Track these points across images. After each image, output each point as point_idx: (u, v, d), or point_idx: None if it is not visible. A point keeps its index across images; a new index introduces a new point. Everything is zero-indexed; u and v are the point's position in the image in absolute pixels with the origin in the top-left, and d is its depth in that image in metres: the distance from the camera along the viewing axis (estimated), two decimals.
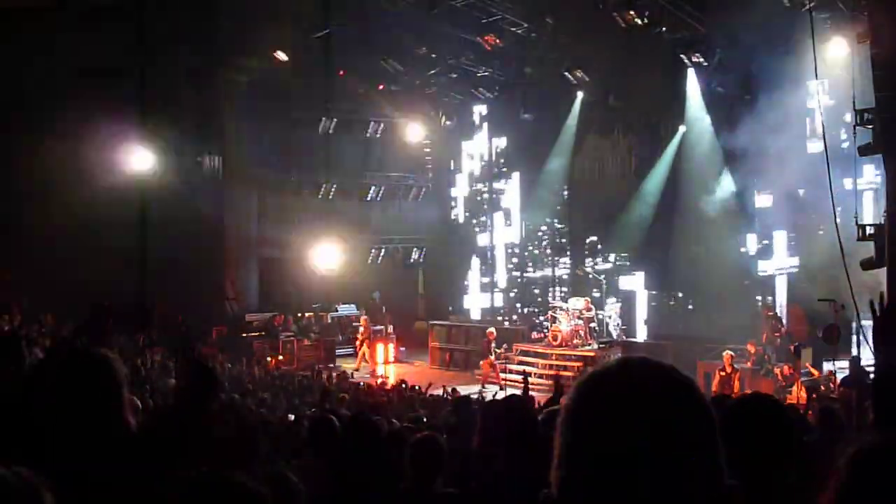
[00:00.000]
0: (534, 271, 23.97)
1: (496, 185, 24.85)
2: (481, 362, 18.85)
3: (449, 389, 13.94)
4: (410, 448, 4.00)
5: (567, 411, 1.11)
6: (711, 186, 19.25)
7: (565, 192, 23.20)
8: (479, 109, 24.19)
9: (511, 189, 24.46)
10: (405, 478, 3.97)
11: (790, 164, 16.60)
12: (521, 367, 18.82)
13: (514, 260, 24.32)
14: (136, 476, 2.30)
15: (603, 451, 1.05)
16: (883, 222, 12.08)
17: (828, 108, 15.32)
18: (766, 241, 18.71)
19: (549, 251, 23.54)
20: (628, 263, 21.15)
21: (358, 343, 21.16)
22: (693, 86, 19.69)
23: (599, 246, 22.00)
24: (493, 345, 18.80)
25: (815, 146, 16.43)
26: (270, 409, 10.41)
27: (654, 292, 20.53)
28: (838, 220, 12.04)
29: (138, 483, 2.29)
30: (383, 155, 25.18)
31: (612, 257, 21.53)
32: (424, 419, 8.28)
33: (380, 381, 17.29)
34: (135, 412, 3.99)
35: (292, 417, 9.02)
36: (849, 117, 14.08)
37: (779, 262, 18.71)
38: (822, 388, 12.76)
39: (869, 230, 12.67)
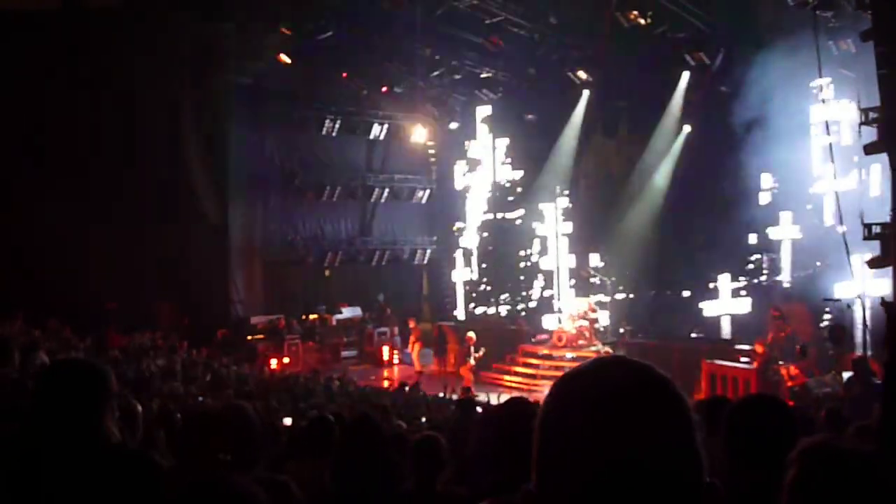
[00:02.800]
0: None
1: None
2: (460, 368, 18.43)
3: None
4: (412, 449, 3.99)
5: (543, 411, 1.11)
6: (715, 185, 19.17)
7: (569, 193, 23.04)
8: (483, 111, 24.08)
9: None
10: (408, 479, 3.95)
11: (794, 160, 16.61)
12: (525, 370, 18.90)
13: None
14: (107, 489, 2.21)
15: (579, 450, 1.04)
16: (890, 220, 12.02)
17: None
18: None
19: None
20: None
21: (410, 344, 21.20)
22: (696, 86, 19.60)
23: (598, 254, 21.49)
24: (472, 349, 18.42)
25: (819, 141, 16.49)
26: (274, 411, 10.38)
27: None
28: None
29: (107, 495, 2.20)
30: (387, 157, 25.15)
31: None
32: (423, 419, 8.26)
33: (385, 382, 17.25)
34: (134, 418, 3.95)
35: (294, 420, 8.99)
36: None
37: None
38: (829, 388, 12.69)
39: (875, 229, 12.61)
